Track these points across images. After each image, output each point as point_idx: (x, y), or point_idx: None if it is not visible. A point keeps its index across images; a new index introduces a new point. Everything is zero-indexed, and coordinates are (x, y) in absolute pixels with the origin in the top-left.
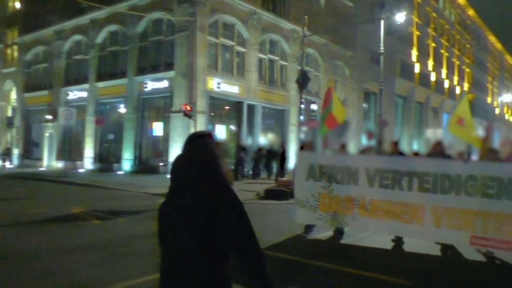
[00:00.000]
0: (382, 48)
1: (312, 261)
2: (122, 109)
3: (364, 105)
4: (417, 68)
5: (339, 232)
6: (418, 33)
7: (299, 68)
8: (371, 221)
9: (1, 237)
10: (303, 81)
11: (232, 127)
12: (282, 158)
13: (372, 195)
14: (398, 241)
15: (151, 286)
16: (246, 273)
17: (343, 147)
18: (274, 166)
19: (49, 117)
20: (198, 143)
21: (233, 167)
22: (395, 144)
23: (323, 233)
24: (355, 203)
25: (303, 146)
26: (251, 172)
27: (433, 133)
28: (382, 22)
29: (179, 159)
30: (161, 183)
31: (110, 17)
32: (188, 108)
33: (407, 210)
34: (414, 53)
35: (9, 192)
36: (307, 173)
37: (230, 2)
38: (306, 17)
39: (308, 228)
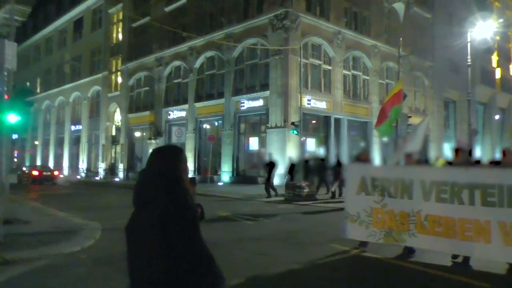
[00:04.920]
0: (469, 60)
1: None
2: (219, 126)
3: (444, 113)
4: (498, 74)
5: (409, 250)
6: (497, 37)
7: (381, 81)
8: (430, 238)
9: None
10: None
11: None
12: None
13: (428, 210)
14: (464, 258)
15: (327, 265)
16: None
17: (409, 157)
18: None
19: (142, 134)
20: (159, 156)
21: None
22: (458, 152)
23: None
24: (410, 218)
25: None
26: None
27: None
28: (468, 36)
29: (141, 173)
30: (265, 193)
31: (208, 44)
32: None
33: (470, 227)
34: (494, 58)
35: None
36: (358, 187)
37: (318, 25)
38: (401, 39)
39: (362, 244)
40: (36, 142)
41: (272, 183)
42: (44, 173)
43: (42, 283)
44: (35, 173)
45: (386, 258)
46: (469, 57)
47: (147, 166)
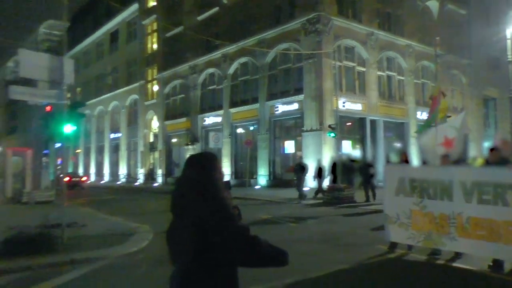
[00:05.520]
0: (509, 56)
1: None
2: (255, 131)
3: (483, 111)
4: None
5: (457, 252)
6: None
7: (416, 81)
8: (472, 242)
9: None
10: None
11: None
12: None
13: (470, 212)
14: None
15: (374, 265)
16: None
17: (446, 158)
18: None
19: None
20: (193, 164)
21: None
22: (493, 150)
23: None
24: (450, 221)
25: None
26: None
27: None
28: (507, 31)
29: (176, 181)
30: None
31: (241, 51)
32: (333, 127)
33: None
34: None
35: None
36: (396, 188)
37: (350, 27)
38: (437, 38)
39: (394, 246)
40: (78, 150)
41: (302, 188)
42: (74, 179)
43: (106, 281)
44: (66, 179)
45: (431, 259)
46: (509, 52)
47: (182, 174)
